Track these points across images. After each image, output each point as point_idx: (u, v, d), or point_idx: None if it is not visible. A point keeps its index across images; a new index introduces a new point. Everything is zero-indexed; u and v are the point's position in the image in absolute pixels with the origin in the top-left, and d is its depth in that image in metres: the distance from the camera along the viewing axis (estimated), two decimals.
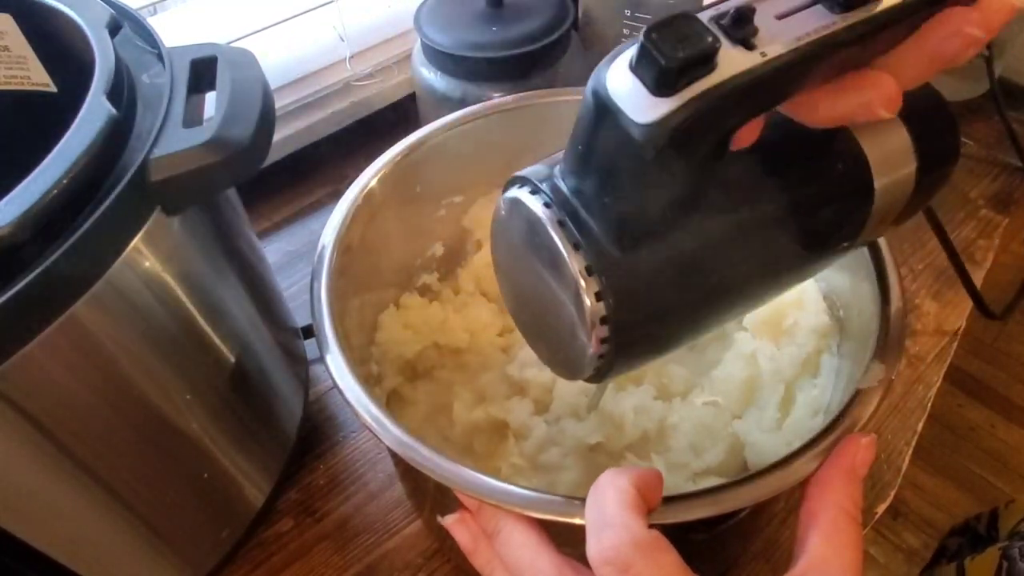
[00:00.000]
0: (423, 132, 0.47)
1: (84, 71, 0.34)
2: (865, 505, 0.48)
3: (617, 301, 0.25)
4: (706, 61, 0.21)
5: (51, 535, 0.36)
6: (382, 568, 0.49)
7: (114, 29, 0.37)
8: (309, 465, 0.54)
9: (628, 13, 0.63)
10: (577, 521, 0.29)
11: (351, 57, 0.76)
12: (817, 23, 0.21)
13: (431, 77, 0.64)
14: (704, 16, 0.21)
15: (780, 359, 0.44)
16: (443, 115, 0.48)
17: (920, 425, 0.55)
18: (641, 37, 0.21)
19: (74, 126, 0.31)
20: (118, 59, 0.35)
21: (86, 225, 0.29)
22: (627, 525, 0.26)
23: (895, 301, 0.37)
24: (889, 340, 0.35)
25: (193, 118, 0.35)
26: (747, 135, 0.24)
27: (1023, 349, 1.45)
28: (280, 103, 0.71)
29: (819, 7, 0.22)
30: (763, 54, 0.21)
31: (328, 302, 0.38)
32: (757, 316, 0.46)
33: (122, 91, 0.34)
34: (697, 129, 0.21)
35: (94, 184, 0.31)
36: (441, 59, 0.62)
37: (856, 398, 0.33)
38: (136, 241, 0.33)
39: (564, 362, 0.29)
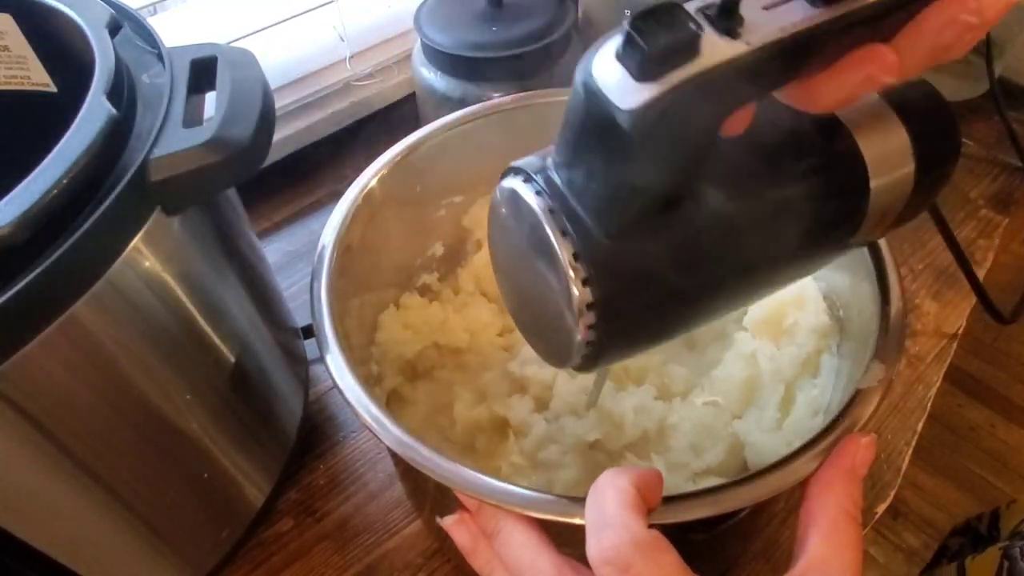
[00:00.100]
0: (423, 132, 0.47)
1: (84, 71, 0.34)
2: (865, 505, 0.48)
3: (604, 288, 0.25)
4: (689, 48, 0.21)
5: (51, 535, 0.36)
6: (382, 568, 0.49)
7: (114, 29, 0.37)
8: (309, 465, 0.54)
9: (628, 13, 0.63)
10: (577, 521, 0.29)
11: (351, 57, 0.76)
12: (804, 14, 0.21)
13: (431, 77, 0.64)
14: (691, 6, 0.21)
15: (780, 359, 0.44)
16: (443, 115, 0.48)
17: (920, 425, 0.55)
18: (626, 25, 0.21)
19: (74, 126, 0.31)
20: (118, 59, 0.35)
21: (86, 225, 0.29)
22: (627, 525, 0.26)
23: (895, 301, 0.37)
24: (889, 340, 0.35)
25: (193, 118, 0.35)
26: (737, 123, 0.24)
27: (1023, 349, 1.45)
28: (280, 103, 0.71)
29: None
30: (747, 43, 0.21)
31: (328, 302, 0.38)
32: (757, 316, 0.46)
33: (122, 91, 0.34)
34: (681, 115, 0.21)
35: (94, 184, 0.31)
36: (441, 59, 0.62)
37: (856, 398, 0.33)
38: (136, 241, 0.33)
39: (553, 349, 0.29)
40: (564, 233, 0.25)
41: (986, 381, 1.42)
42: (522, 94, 0.50)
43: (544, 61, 0.62)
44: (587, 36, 0.68)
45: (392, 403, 0.48)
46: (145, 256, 0.33)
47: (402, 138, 0.47)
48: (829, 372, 0.42)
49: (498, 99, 0.50)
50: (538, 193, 0.26)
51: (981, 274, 0.64)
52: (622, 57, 0.21)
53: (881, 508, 0.51)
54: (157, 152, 0.33)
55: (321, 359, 0.36)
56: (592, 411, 0.44)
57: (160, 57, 0.38)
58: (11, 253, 0.27)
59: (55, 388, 0.32)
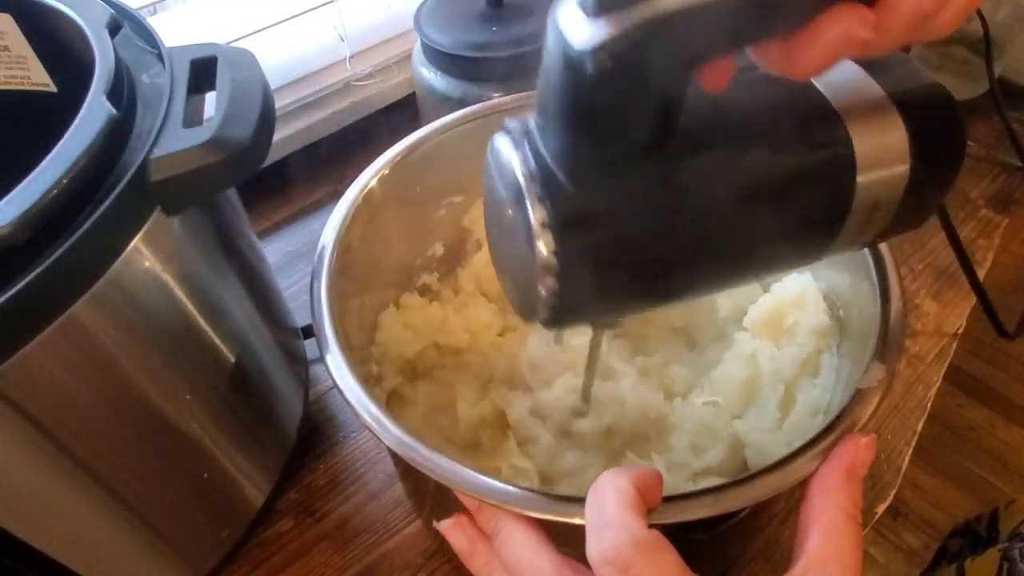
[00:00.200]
0: (423, 132, 0.47)
1: (84, 71, 0.34)
2: (865, 505, 0.48)
3: (565, 233, 0.25)
4: None
5: (51, 535, 0.36)
6: (382, 568, 0.49)
7: (114, 29, 0.37)
8: (309, 465, 0.54)
9: None
10: (577, 521, 0.29)
11: (351, 57, 0.76)
12: None
13: (431, 77, 0.64)
14: None
15: (780, 359, 0.44)
16: (443, 115, 0.48)
17: (920, 425, 0.55)
18: None
19: (74, 126, 0.31)
20: (118, 59, 0.35)
21: (86, 225, 0.29)
22: (627, 525, 0.26)
23: (895, 301, 0.37)
24: (889, 340, 0.35)
25: (193, 118, 0.35)
26: (714, 78, 0.24)
27: (1023, 349, 1.45)
28: (280, 103, 0.71)
29: None
30: None
31: (328, 302, 0.38)
32: (757, 316, 0.46)
33: (122, 91, 0.34)
34: (640, 58, 0.21)
35: (94, 184, 0.31)
36: (441, 59, 0.62)
37: (856, 398, 0.33)
38: (136, 241, 0.33)
39: (523, 300, 0.28)
40: (532, 178, 0.25)
41: (986, 381, 1.42)
42: (522, 94, 0.50)
43: None
44: None
45: (392, 403, 0.48)
46: (145, 256, 0.34)
47: (402, 138, 0.47)
48: (829, 372, 0.42)
49: (498, 99, 0.50)
50: (514, 143, 0.26)
51: (981, 274, 0.64)
52: None
53: (881, 508, 0.51)
54: (157, 152, 0.33)
55: (321, 359, 0.36)
56: (593, 405, 0.44)
57: (160, 57, 0.38)
58: (11, 253, 0.27)
59: (55, 388, 0.32)
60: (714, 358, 0.48)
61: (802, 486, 0.30)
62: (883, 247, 0.39)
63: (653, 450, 0.44)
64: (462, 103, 0.57)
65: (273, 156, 0.70)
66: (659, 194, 0.25)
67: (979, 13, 0.69)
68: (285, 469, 0.50)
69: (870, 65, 0.28)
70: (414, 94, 0.71)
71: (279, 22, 0.68)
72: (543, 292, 0.26)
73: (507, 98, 0.49)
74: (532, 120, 0.26)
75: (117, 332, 0.33)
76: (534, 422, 0.45)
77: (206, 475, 0.43)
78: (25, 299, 0.28)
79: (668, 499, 0.29)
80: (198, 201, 0.37)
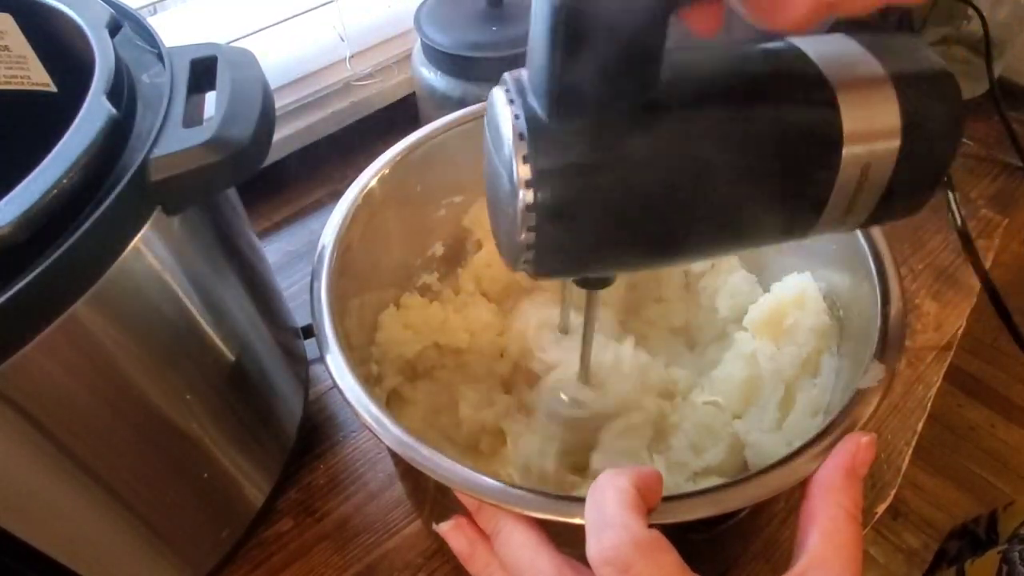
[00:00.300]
0: (423, 132, 0.47)
1: (84, 71, 0.34)
2: (865, 505, 0.48)
3: (546, 188, 0.25)
4: None
5: (51, 535, 0.36)
6: (382, 568, 0.49)
7: (114, 29, 0.37)
8: (309, 465, 0.54)
9: None
10: (577, 521, 0.29)
11: (351, 57, 0.76)
12: None
13: (431, 77, 0.64)
14: None
15: (780, 359, 0.44)
16: (443, 115, 0.48)
17: (920, 425, 0.55)
18: None
19: (74, 126, 0.31)
20: (118, 59, 0.35)
21: (86, 225, 0.29)
22: (627, 525, 0.26)
23: (895, 301, 0.37)
24: (889, 340, 0.35)
25: (193, 118, 0.35)
26: (701, 20, 0.23)
27: None
28: (280, 103, 0.71)
29: None
30: None
31: (328, 302, 0.38)
32: (757, 316, 0.46)
33: (122, 91, 0.34)
34: None
35: (94, 184, 0.31)
36: (441, 59, 0.62)
37: (856, 398, 0.33)
38: (136, 241, 0.33)
39: (509, 248, 0.28)
40: (516, 117, 0.25)
41: (986, 381, 1.42)
42: None
43: None
44: None
45: (392, 403, 0.48)
46: (145, 256, 0.33)
47: (402, 138, 0.47)
48: (829, 372, 0.42)
49: None
50: (508, 99, 0.26)
51: (982, 275, 0.64)
52: None
53: (881, 508, 0.51)
54: (157, 152, 0.33)
55: (321, 359, 0.36)
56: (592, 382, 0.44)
57: (160, 57, 0.38)
58: (11, 253, 0.27)
59: (55, 388, 0.32)
60: (714, 358, 0.48)
61: (802, 486, 0.30)
62: (883, 247, 0.39)
63: (653, 450, 0.44)
64: (462, 103, 0.57)
65: (273, 156, 0.70)
66: (642, 153, 0.26)
67: (979, 13, 0.69)
68: (285, 469, 0.50)
69: (876, 45, 0.28)
70: (414, 94, 0.72)
71: (279, 22, 0.68)
72: (524, 243, 0.26)
73: None
74: (526, 73, 0.27)
75: (117, 332, 0.33)
76: (532, 441, 0.45)
77: (206, 475, 0.43)
78: (25, 299, 0.28)
79: (668, 499, 0.29)
80: (198, 201, 0.37)
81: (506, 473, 0.44)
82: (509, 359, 0.50)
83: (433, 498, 0.41)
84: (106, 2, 0.39)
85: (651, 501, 0.28)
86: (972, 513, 0.72)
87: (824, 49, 0.27)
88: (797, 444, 0.32)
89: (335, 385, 0.35)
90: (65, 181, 0.29)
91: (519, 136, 0.25)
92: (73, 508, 0.36)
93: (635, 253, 0.29)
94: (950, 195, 0.55)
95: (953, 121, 0.27)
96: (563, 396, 0.45)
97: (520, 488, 0.31)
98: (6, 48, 0.37)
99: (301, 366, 0.53)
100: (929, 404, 0.56)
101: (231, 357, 0.41)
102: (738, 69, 0.27)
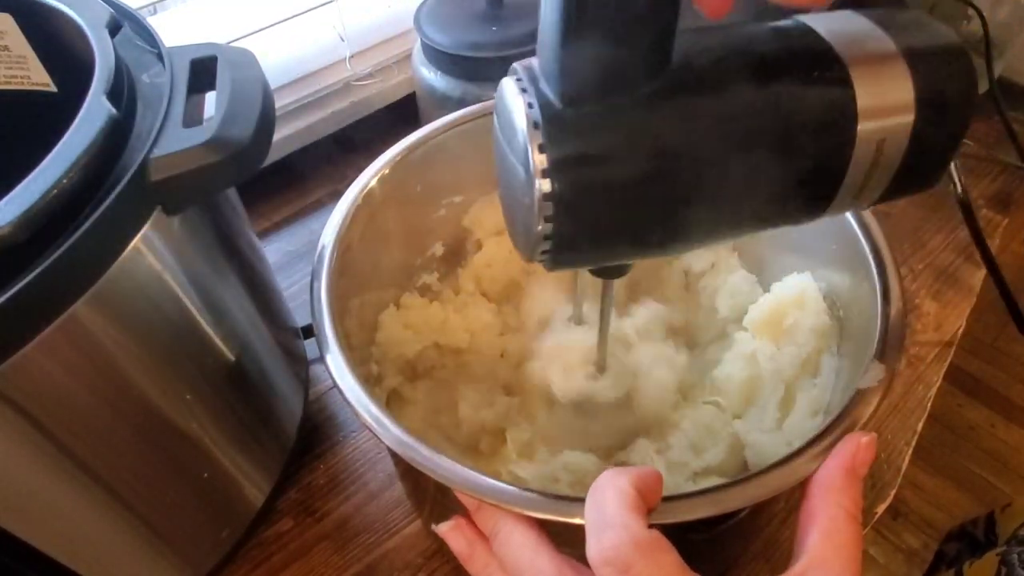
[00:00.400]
0: (423, 132, 0.47)
1: (84, 71, 0.34)
2: (865, 505, 0.48)
3: (561, 178, 0.25)
4: None
5: (51, 535, 0.36)
6: (382, 568, 0.49)
7: (114, 29, 0.37)
8: (309, 465, 0.54)
9: None
10: (577, 521, 0.29)
11: (351, 57, 0.76)
12: None
13: (431, 77, 0.64)
14: None
15: (780, 359, 0.44)
16: (443, 115, 0.48)
17: (920, 425, 0.55)
18: None
19: (74, 126, 0.31)
20: (118, 59, 0.35)
21: (86, 225, 0.29)
22: (627, 525, 0.26)
23: (895, 301, 0.37)
24: (889, 340, 0.35)
25: (193, 118, 0.35)
26: (712, 2, 0.23)
27: (1023, 349, 1.45)
28: (280, 103, 0.71)
29: None
30: None
31: (328, 302, 0.38)
32: (757, 316, 0.46)
33: (122, 91, 0.34)
34: None
35: (94, 184, 0.31)
36: (441, 59, 0.62)
37: (856, 398, 0.33)
38: (136, 241, 0.33)
39: (524, 240, 0.28)
40: (530, 105, 0.25)
41: (986, 381, 1.42)
42: None
43: None
44: None
45: (392, 403, 0.48)
46: (145, 256, 0.33)
47: (402, 138, 0.47)
48: (829, 372, 0.42)
49: None
50: (520, 88, 0.26)
51: (981, 274, 0.64)
52: None
53: (881, 508, 0.51)
54: (157, 152, 0.33)
55: (321, 359, 0.36)
56: (609, 373, 0.44)
57: (160, 57, 0.38)
58: (11, 253, 0.27)
59: (55, 388, 0.32)
60: (714, 358, 0.48)
61: (802, 486, 0.30)
62: (883, 247, 0.39)
63: (653, 449, 0.44)
64: (462, 103, 0.57)
65: (273, 156, 0.70)
66: (656, 137, 0.25)
67: (979, 13, 0.69)
68: (285, 469, 0.50)
69: (886, 20, 0.27)
70: (414, 94, 0.72)
71: (279, 22, 0.68)
72: (541, 233, 0.26)
73: None
74: (537, 61, 0.26)
75: (117, 332, 0.33)
76: (532, 443, 0.45)
77: (206, 475, 0.43)
78: (25, 299, 0.28)
79: (668, 499, 0.29)
80: (198, 201, 0.37)
81: (506, 472, 0.44)
82: (509, 359, 0.50)
83: (433, 498, 0.41)
84: (106, 2, 0.39)
85: (651, 501, 0.28)
86: (972, 513, 0.72)
87: (834, 26, 0.27)
88: (797, 444, 0.32)
89: (335, 385, 0.35)
90: (65, 181, 0.29)
91: (534, 125, 0.25)
92: (73, 508, 0.36)
93: (655, 239, 0.29)
94: (953, 167, 0.54)
95: (966, 93, 0.27)
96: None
97: (520, 488, 0.31)
98: (6, 48, 0.37)
99: (301, 366, 0.53)
100: (929, 404, 0.56)
101: (231, 357, 0.41)
102: (749, 49, 0.27)
